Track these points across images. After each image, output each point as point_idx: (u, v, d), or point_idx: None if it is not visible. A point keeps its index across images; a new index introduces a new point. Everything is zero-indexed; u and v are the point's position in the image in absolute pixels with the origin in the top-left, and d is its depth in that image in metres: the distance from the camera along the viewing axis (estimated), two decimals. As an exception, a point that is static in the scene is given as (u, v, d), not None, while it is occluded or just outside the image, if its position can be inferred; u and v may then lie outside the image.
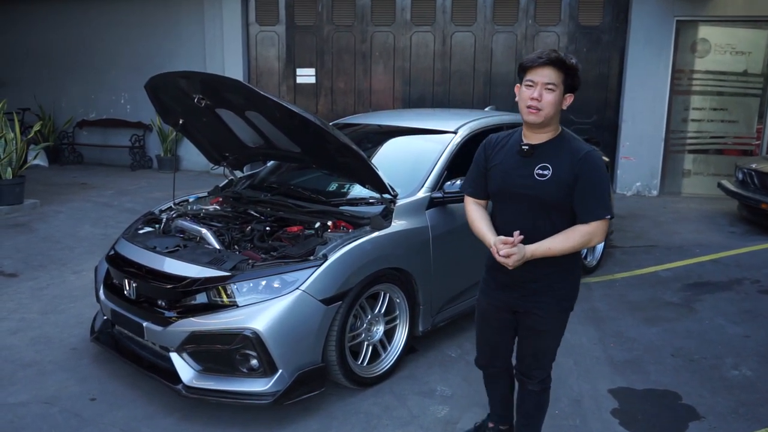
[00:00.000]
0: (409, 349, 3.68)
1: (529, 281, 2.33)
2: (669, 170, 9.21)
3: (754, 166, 6.96)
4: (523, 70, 2.26)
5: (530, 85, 2.22)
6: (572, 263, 2.38)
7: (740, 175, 7.15)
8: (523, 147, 2.28)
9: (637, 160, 9.06)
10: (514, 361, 2.65)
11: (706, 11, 8.59)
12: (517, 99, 2.30)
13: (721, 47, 8.79)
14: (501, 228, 2.33)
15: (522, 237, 2.21)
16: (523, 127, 2.35)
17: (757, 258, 5.88)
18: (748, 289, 5.06)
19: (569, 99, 2.27)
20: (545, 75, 2.20)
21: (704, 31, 8.79)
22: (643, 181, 9.11)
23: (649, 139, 8.99)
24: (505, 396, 2.76)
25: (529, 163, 2.27)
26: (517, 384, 2.65)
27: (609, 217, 2.24)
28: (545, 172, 2.24)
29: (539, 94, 2.20)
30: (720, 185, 7.49)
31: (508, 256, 2.20)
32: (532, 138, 2.30)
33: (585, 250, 5.38)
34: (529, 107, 2.21)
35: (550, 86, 2.20)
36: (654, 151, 9.02)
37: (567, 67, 2.21)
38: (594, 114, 9.39)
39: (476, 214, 2.44)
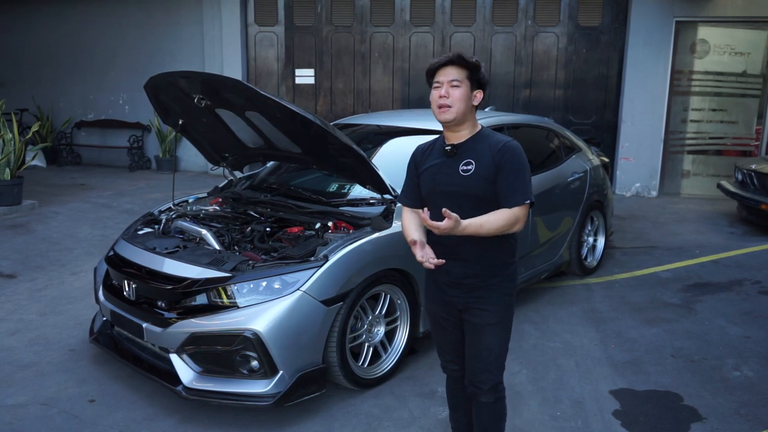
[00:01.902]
0: (409, 350, 3.66)
1: (469, 276, 2.38)
2: (668, 171, 9.22)
3: (753, 167, 6.96)
4: (431, 75, 2.39)
5: (437, 86, 2.35)
6: (509, 257, 2.43)
7: (740, 176, 7.15)
8: (446, 148, 2.39)
9: (637, 161, 9.06)
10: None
11: (705, 12, 8.59)
12: (431, 106, 2.41)
13: (720, 48, 8.79)
14: None
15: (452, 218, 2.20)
16: (443, 130, 2.44)
17: (757, 259, 5.88)
18: (748, 289, 5.06)
19: (479, 95, 2.37)
20: (449, 74, 2.33)
21: (703, 32, 8.80)
22: (643, 181, 9.11)
23: (649, 140, 8.99)
24: (469, 410, 2.66)
25: (454, 162, 2.37)
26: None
27: (529, 202, 2.30)
28: (469, 167, 2.33)
29: (446, 92, 2.32)
30: (719, 186, 7.48)
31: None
32: (453, 138, 2.40)
33: (585, 251, 5.37)
34: (440, 106, 2.33)
35: (455, 83, 2.32)
36: (653, 151, 9.03)
37: (468, 64, 2.34)
38: (593, 114, 9.39)
39: (406, 220, 2.51)
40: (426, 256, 2.25)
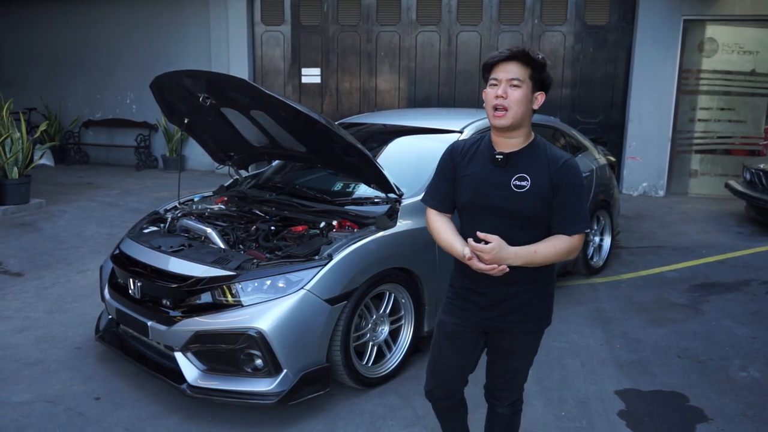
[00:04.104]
0: (414, 349, 3.66)
1: (507, 299, 2.17)
2: (676, 170, 9.17)
3: (762, 166, 6.91)
4: (487, 70, 2.10)
5: (494, 84, 2.06)
6: (549, 278, 2.24)
7: (748, 176, 7.10)
8: (497, 156, 2.09)
9: (644, 161, 9.02)
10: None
11: (713, 10, 8.54)
12: (485, 105, 2.14)
13: (728, 46, 8.73)
14: None
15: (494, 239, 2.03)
16: (492, 134, 2.16)
17: (765, 259, 5.84)
18: (755, 290, 5.02)
19: (540, 98, 2.09)
20: (510, 71, 2.04)
21: (712, 31, 8.74)
22: (650, 181, 9.07)
23: (656, 139, 8.94)
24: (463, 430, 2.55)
25: (504, 173, 2.08)
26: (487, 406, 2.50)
27: (588, 230, 2.12)
28: (523, 183, 2.06)
29: (504, 92, 2.03)
30: (727, 185, 7.44)
31: (483, 260, 2.04)
32: (504, 145, 2.11)
33: (591, 251, 5.35)
34: (495, 108, 2.05)
35: (515, 82, 2.03)
36: (661, 151, 8.98)
37: (533, 62, 2.04)
38: (600, 114, 9.35)
39: (441, 224, 2.24)
40: (488, 267, 2.02)
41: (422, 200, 2.35)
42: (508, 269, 2.04)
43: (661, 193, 9.06)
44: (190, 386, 3.04)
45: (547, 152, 2.11)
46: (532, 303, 2.19)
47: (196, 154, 10.32)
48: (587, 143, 5.55)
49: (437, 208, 2.28)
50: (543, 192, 2.06)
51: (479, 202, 2.12)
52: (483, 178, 2.12)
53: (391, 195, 3.56)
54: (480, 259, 2.04)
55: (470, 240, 2.06)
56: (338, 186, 4.11)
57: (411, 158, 4.22)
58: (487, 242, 2.02)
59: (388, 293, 3.46)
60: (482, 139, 2.21)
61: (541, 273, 2.18)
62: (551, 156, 2.09)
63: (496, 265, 2.02)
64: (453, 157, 2.23)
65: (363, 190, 3.88)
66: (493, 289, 2.16)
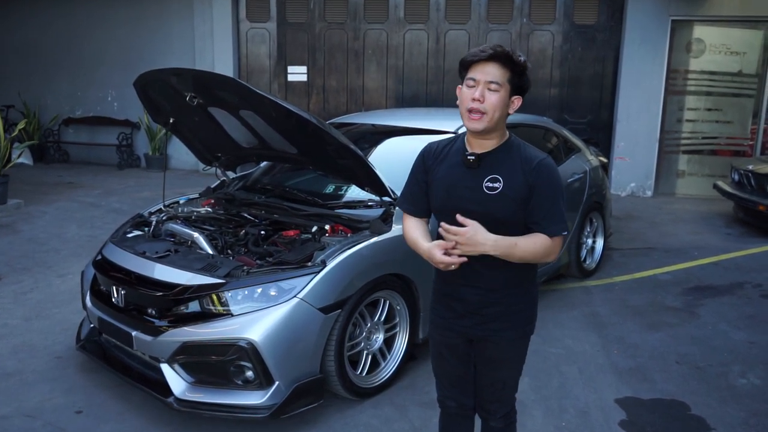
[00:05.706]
0: (409, 357, 3.55)
1: (486, 305, 2.09)
2: (663, 171, 9.17)
3: (750, 167, 6.90)
4: (464, 67, 2.00)
5: (472, 85, 1.97)
6: (531, 282, 2.16)
7: (736, 177, 7.09)
8: (468, 157, 2.02)
9: (632, 161, 9.00)
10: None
11: (701, 11, 8.54)
12: (458, 102, 2.04)
13: (716, 47, 8.75)
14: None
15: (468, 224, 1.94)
16: (466, 134, 2.09)
17: (757, 261, 5.82)
18: (749, 293, 4.99)
19: (517, 102, 2.02)
20: (489, 72, 1.95)
21: (699, 31, 8.75)
22: (638, 181, 9.06)
23: (644, 140, 8.94)
24: None
25: (476, 174, 2.02)
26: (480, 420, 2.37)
27: (566, 233, 2.03)
28: (496, 185, 1.99)
29: (481, 95, 1.94)
30: (716, 186, 7.43)
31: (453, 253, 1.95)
32: (477, 146, 2.04)
33: (584, 253, 5.29)
34: (470, 111, 1.96)
35: (493, 86, 1.95)
36: (649, 151, 8.98)
37: (513, 64, 1.96)
38: (588, 114, 9.32)
39: (413, 229, 2.16)
40: (448, 258, 1.93)
41: (397, 204, 2.27)
42: (466, 259, 1.95)
43: (649, 193, 9.06)
44: (177, 399, 2.91)
45: (521, 152, 2.04)
46: (513, 309, 2.12)
47: (180, 152, 10.09)
48: (580, 144, 5.49)
49: (411, 212, 2.21)
50: (517, 194, 1.99)
51: (451, 205, 2.04)
52: (454, 180, 2.06)
53: (386, 198, 3.45)
54: (453, 249, 1.95)
55: (443, 223, 1.97)
56: (330, 188, 3.99)
57: (406, 160, 4.08)
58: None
59: (382, 300, 3.35)
60: (456, 140, 2.15)
61: (521, 278, 2.11)
62: (525, 156, 2.03)
63: (465, 230, 1.92)
64: (425, 160, 2.17)
65: (356, 193, 3.76)
66: (471, 295, 2.09)
